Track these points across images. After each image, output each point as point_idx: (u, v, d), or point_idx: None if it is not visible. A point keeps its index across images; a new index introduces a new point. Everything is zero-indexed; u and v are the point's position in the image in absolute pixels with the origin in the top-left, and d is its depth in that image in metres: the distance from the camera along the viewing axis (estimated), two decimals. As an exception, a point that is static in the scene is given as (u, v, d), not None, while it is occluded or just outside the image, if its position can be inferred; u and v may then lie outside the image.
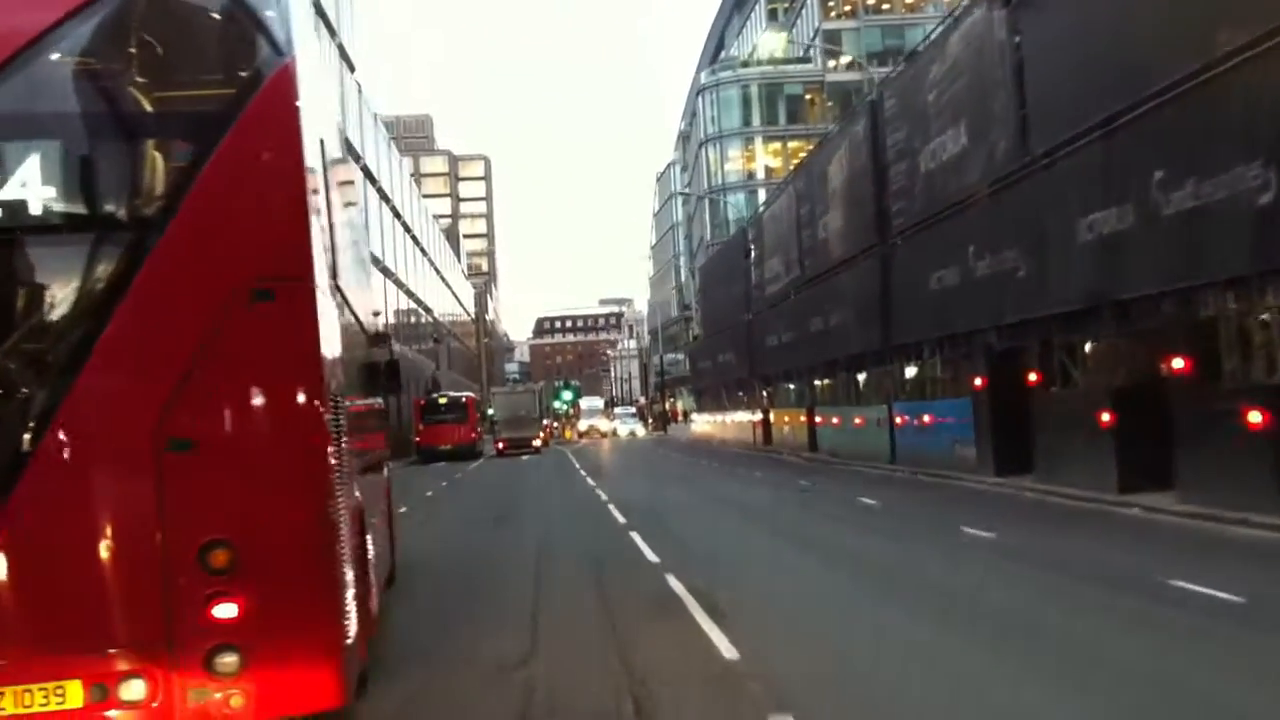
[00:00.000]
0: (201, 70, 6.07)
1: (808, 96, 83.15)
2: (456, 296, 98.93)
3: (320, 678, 5.70)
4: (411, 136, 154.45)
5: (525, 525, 18.75)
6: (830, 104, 77.48)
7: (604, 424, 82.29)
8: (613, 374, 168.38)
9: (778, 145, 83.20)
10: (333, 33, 54.46)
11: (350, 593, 6.27)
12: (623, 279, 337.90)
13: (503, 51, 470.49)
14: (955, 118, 23.60)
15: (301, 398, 5.79)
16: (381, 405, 11.55)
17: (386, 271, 59.33)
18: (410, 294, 69.38)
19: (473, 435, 52.92)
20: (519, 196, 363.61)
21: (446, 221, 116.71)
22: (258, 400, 5.73)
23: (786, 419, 42.17)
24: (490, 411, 63.09)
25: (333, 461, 5.99)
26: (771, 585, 11.35)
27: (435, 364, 72.38)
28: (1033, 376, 20.50)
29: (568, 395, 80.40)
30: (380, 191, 61.65)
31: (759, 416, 46.80)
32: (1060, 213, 18.91)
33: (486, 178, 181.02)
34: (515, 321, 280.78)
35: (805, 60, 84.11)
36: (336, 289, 7.07)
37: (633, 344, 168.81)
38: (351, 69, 56.14)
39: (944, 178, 24.48)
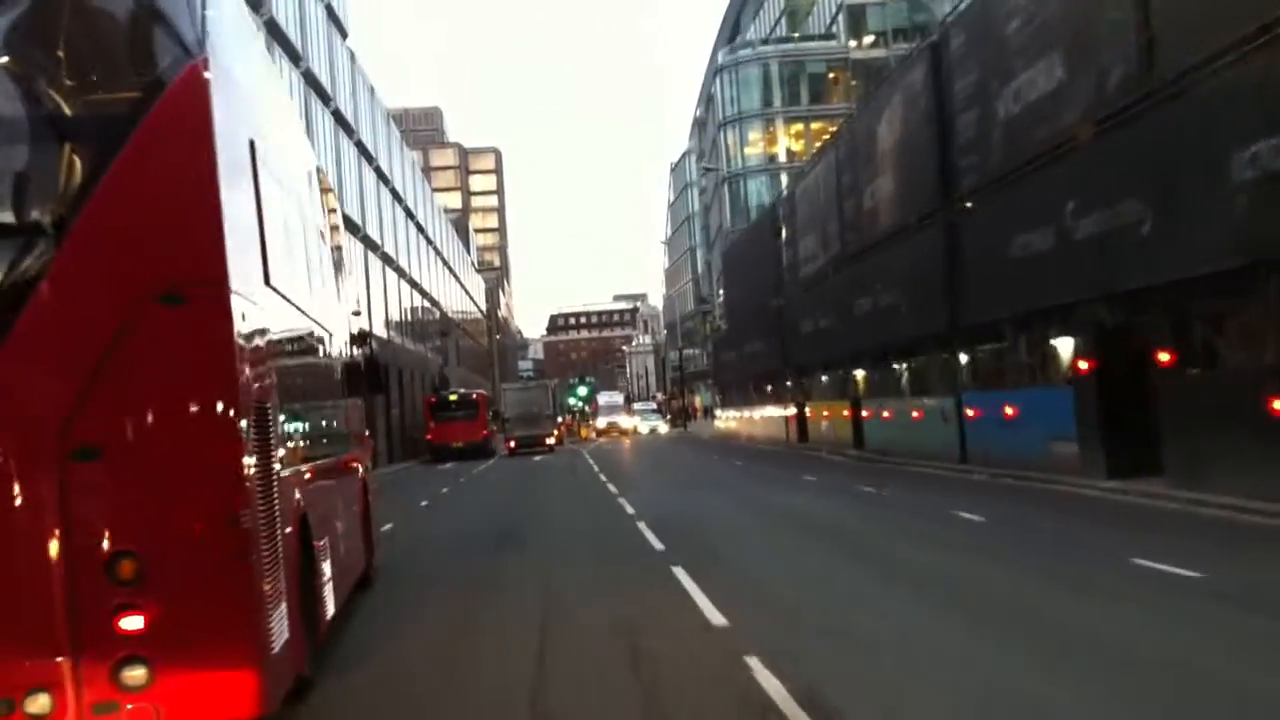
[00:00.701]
0: (107, 72, 5.95)
1: (831, 75, 78.88)
2: (467, 291, 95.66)
3: (235, 688, 5.57)
4: (420, 129, 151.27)
5: (529, 558, 14.18)
6: (855, 83, 73.28)
7: (625, 420, 78.02)
8: (628, 370, 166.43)
9: (800, 126, 79.18)
10: (343, 35, 51.87)
11: (284, 603, 6.22)
12: (637, 274, 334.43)
13: (512, 42, 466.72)
14: (1046, 48, 19.57)
15: (212, 404, 5.70)
16: (355, 405, 11.68)
17: (388, 261, 56.76)
18: (418, 287, 66.64)
19: (484, 433, 51.76)
20: (531, 191, 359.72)
21: (456, 214, 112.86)
22: (166, 407, 5.65)
23: (825, 413, 38.17)
24: (501, 409, 60.42)
25: (250, 469, 5.84)
26: (921, 679, 6.93)
27: (443, 360, 68.86)
28: (1163, 356, 16.48)
29: (583, 391, 76.23)
30: (392, 189, 59.19)
31: (792, 411, 42.83)
32: (1203, 148, 14.93)
33: (497, 171, 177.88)
34: (529, 319, 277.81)
35: (829, 37, 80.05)
36: (275, 292, 6.95)
37: (648, 339, 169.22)
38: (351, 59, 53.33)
39: (1030, 122, 20.48)
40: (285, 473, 6.74)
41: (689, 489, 24.71)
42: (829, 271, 36.12)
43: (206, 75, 5.81)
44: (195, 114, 5.74)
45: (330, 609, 8.50)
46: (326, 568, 8.35)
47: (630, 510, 19.10)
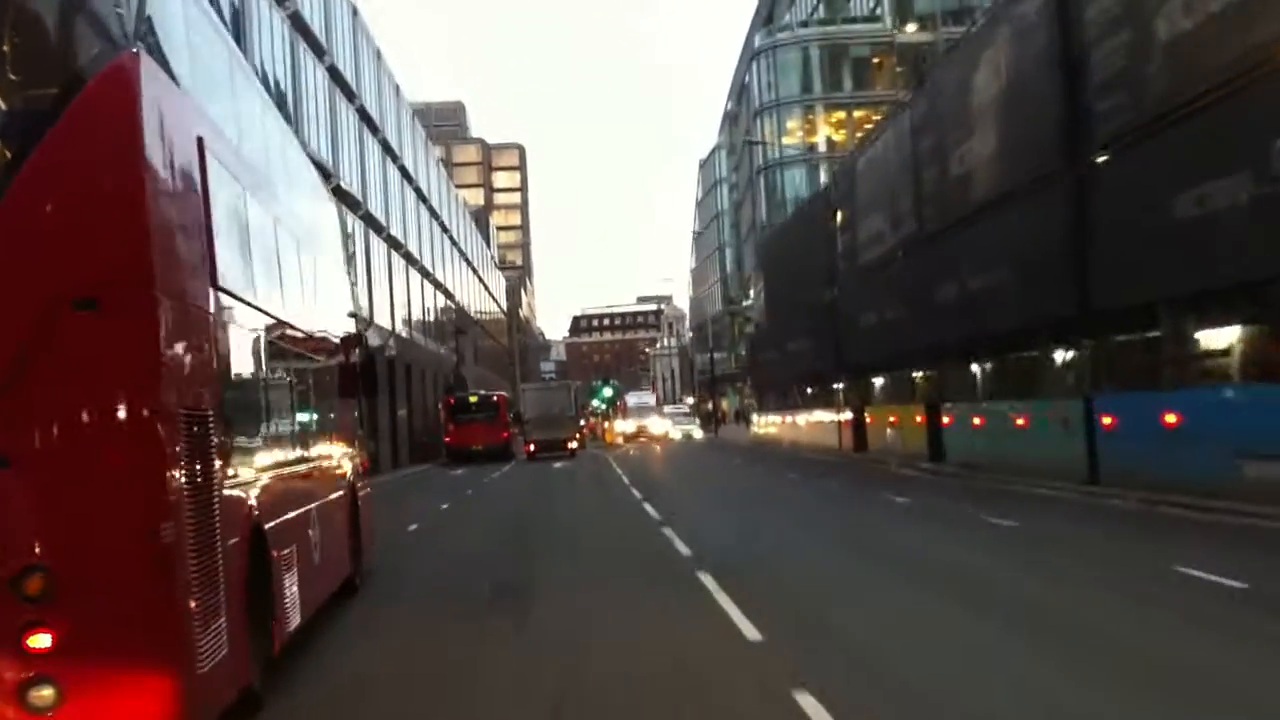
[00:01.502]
0: (30, 66, 5.69)
1: (875, 60, 73.76)
2: (487, 288, 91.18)
3: (152, 709, 5.39)
4: (443, 124, 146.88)
5: (536, 651, 8.49)
6: (900, 69, 68.14)
7: (656, 424, 70.12)
8: (652, 373, 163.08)
9: (841, 114, 74.27)
10: (365, 36, 48.85)
11: (222, 618, 6.07)
12: (662, 276, 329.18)
13: (538, 37, 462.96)
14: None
15: (131, 412, 5.46)
16: (346, 408, 11.86)
17: (410, 260, 53.99)
18: (441, 287, 63.62)
19: (504, 435, 50.37)
20: (553, 190, 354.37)
21: (476, 209, 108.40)
22: (80, 415, 5.43)
23: (891, 418, 33.15)
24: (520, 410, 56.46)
25: (177, 480, 5.64)
26: None
27: (458, 358, 64.29)
28: None
29: (607, 393, 71.04)
30: (416, 188, 57.50)
31: (847, 415, 37.84)
32: None
33: (521, 168, 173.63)
34: (551, 321, 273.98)
35: (873, 19, 75.01)
36: (226, 293, 6.74)
37: (673, 342, 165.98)
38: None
39: (1209, 39, 15.55)
40: (235, 482, 6.69)
41: (748, 512, 19.69)
42: (898, 255, 31.13)
43: (137, 69, 5.67)
44: (120, 109, 5.56)
45: (294, 620, 8.33)
46: (289, 580, 8.16)
47: (682, 547, 14.09)
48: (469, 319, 73.99)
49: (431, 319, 60.88)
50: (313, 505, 9.49)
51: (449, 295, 66.65)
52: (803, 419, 46.29)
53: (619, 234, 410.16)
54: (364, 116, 46.14)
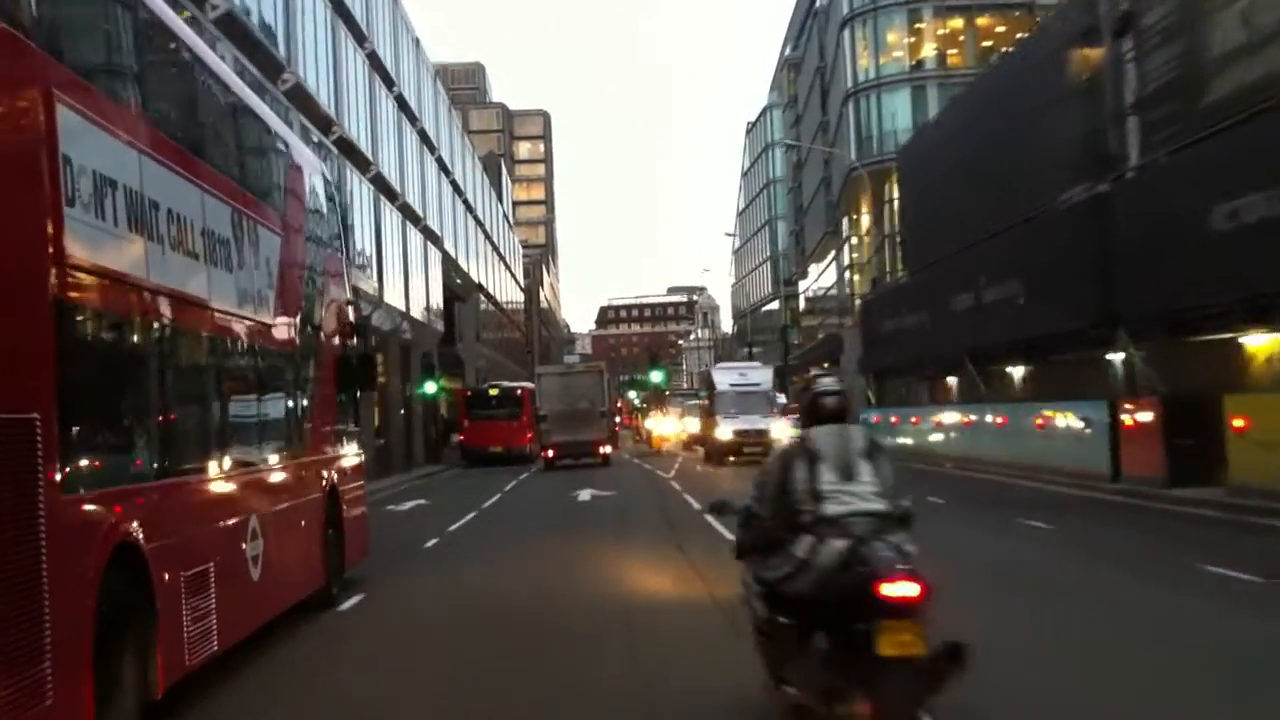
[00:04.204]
0: None
1: (1002, -47, 56.29)
2: (499, 251, 74.82)
3: None
4: (460, 88, 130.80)
5: None
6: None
7: (773, 426, 35.13)
8: (683, 367, 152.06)
9: (958, 21, 56.75)
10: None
11: (44, 662, 5.17)
12: (694, 266, 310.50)
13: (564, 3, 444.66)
14: None
15: None
16: (323, 403, 11.14)
17: (432, 235, 44.96)
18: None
19: (527, 437, 42.89)
20: (578, 170, 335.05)
21: (486, 152, 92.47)
22: None
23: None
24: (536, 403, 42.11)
25: None
26: None
27: (446, 328, 48.19)
28: None
29: (658, 377, 52.06)
30: (453, 181, 53.97)
31: (1143, 414, 19.90)
32: None
33: (545, 137, 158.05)
34: (576, 313, 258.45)
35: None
36: (89, 273, 6.06)
37: (707, 334, 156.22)
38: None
39: None
40: (86, 495, 5.86)
41: None
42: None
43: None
44: None
45: (205, 649, 7.36)
46: (199, 602, 7.29)
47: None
48: (471, 284, 57.69)
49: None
50: (251, 513, 8.71)
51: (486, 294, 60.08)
52: (992, 418, 27.99)
53: (650, 220, 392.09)
54: (402, 105, 42.30)
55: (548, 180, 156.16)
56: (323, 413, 11.17)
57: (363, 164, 35.47)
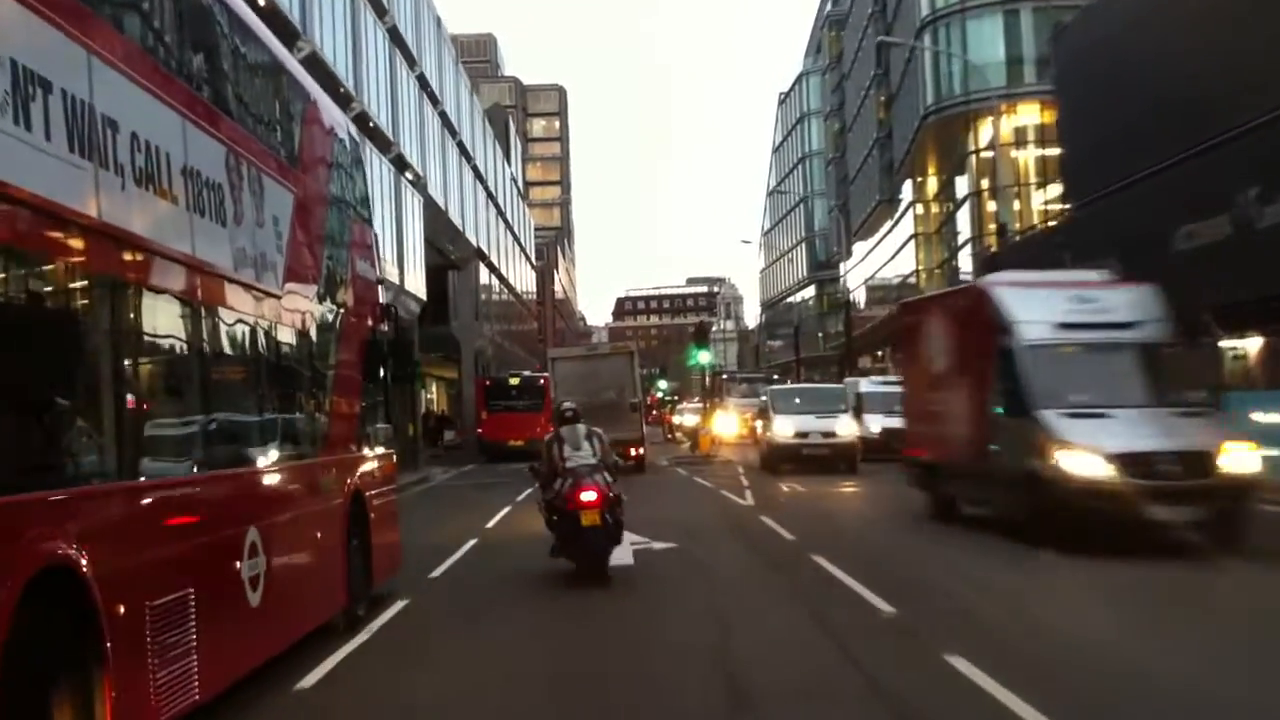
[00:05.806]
0: None
1: None
2: (506, 220, 66.45)
3: None
4: (471, 60, 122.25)
5: None
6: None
7: (840, 424, 27.34)
8: None
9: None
10: None
11: None
12: (714, 257, 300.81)
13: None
14: None
15: None
16: (349, 396, 9.89)
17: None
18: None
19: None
20: (590, 158, 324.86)
21: (491, 105, 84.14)
22: None
23: None
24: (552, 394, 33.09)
25: None
26: None
27: (428, 300, 40.14)
28: None
29: (705, 357, 42.06)
30: (474, 167, 53.32)
31: None
32: None
33: (561, 114, 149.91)
34: (592, 306, 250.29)
35: None
36: (80, 227, 5.28)
37: (730, 325, 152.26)
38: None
39: None
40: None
41: None
42: None
43: None
44: None
45: (184, 698, 6.06)
46: (156, 645, 5.84)
47: None
48: (468, 248, 49.75)
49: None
50: (249, 524, 7.30)
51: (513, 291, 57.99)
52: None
53: (669, 208, 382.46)
54: (423, 84, 41.77)
55: (564, 160, 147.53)
56: (346, 405, 9.87)
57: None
